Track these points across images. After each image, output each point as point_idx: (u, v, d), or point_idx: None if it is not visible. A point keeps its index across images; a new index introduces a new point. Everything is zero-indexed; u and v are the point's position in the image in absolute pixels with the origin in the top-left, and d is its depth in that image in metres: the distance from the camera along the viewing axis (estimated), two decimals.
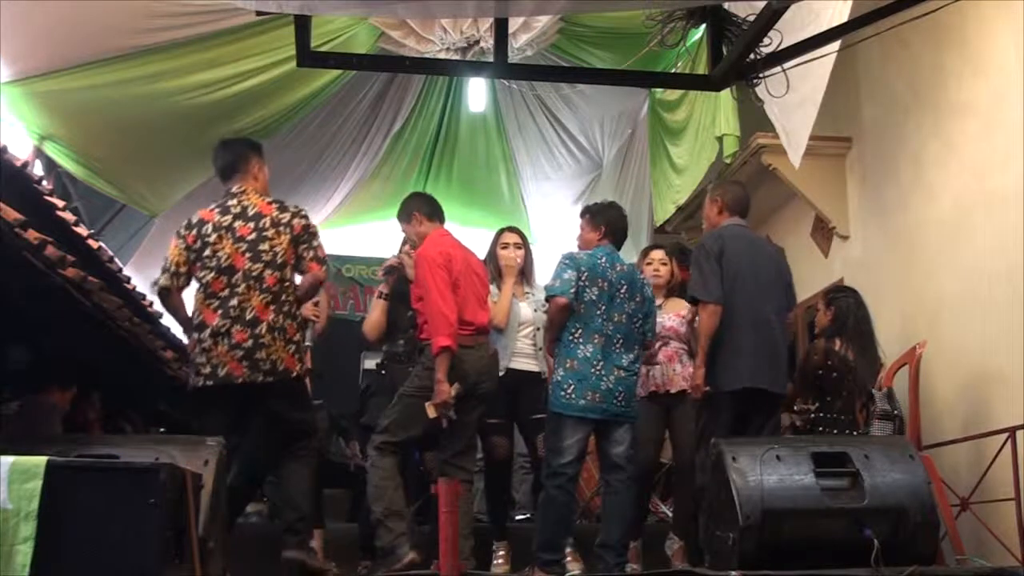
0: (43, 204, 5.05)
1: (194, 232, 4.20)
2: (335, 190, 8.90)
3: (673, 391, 5.09)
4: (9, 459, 2.94)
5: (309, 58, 4.15)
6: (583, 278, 4.58)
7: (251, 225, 4.18)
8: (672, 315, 5.23)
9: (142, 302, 6.16)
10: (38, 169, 6.19)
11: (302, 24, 3.97)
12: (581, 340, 4.55)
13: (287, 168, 8.06)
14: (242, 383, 4.02)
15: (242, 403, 4.14)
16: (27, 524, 2.88)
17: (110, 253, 6.21)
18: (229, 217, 4.20)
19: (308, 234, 4.26)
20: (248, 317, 4.05)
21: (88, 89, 6.11)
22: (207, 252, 4.15)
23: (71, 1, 5.45)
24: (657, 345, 5.10)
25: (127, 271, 6.63)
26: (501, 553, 4.98)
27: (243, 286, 4.09)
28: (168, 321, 6.17)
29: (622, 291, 4.62)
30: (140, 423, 6.64)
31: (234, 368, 4.02)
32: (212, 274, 4.13)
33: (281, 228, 4.18)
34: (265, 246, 4.15)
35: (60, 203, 5.41)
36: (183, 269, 4.18)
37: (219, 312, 4.08)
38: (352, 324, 8.03)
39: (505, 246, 5.33)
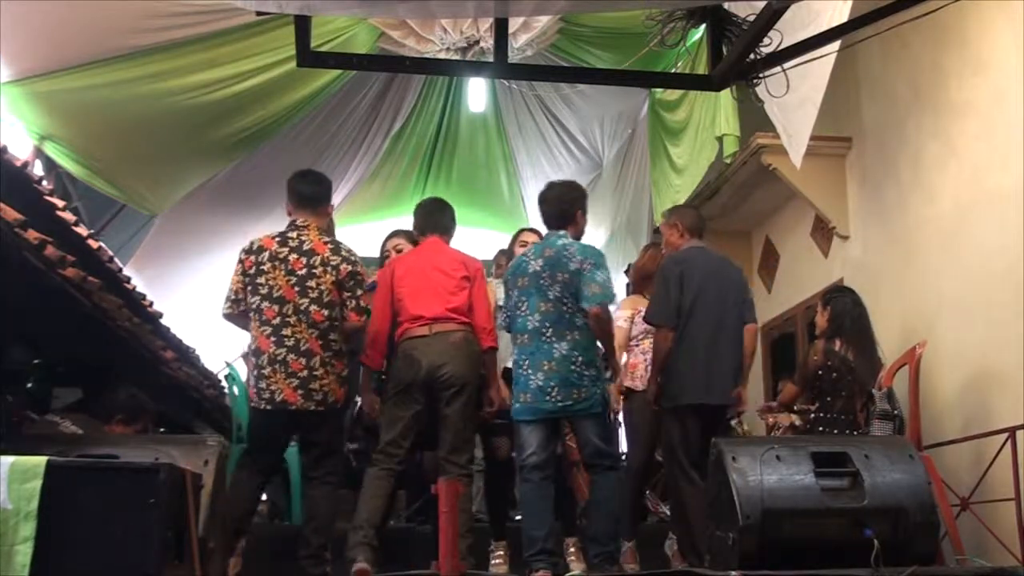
0: (43, 204, 5.05)
1: (252, 258, 4.36)
2: (335, 190, 8.88)
3: None
4: (9, 459, 2.94)
5: (309, 58, 4.15)
6: (508, 285, 4.64)
7: (303, 260, 4.34)
8: None
9: (142, 302, 6.17)
10: (38, 169, 6.20)
11: (302, 24, 3.97)
12: (514, 344, 4.59)
13: (287, 168, 8.01)
14: (295, 410, 4.23)
15: (291, 425, 4.37)
16: (27, 524, 2.88)
17: (110, 253, 6.22)
18: (286, 249, 4.36)
19: (354, 281, 4.42)
20: (303, 348, 4.25)
21: (88, 89, 6.11)
22: (260, 279, 4.31)
23: (71, 1, 5.46)
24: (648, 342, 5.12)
25: (127, 271, 6.65)
26: (499, 553, 4.98)
27: (294, 318, 4.27)
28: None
29: (545, 277, 4.49)
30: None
31: (289, 395, 4.22)
32: (264, 302, 4.29)
33: (328, 268, 4.35)
34: (312, 283, 4.31)
35: (60, 203, 5.42)
36: (242, 296, 4.37)
37: (272, 340, 4.25)
38: None
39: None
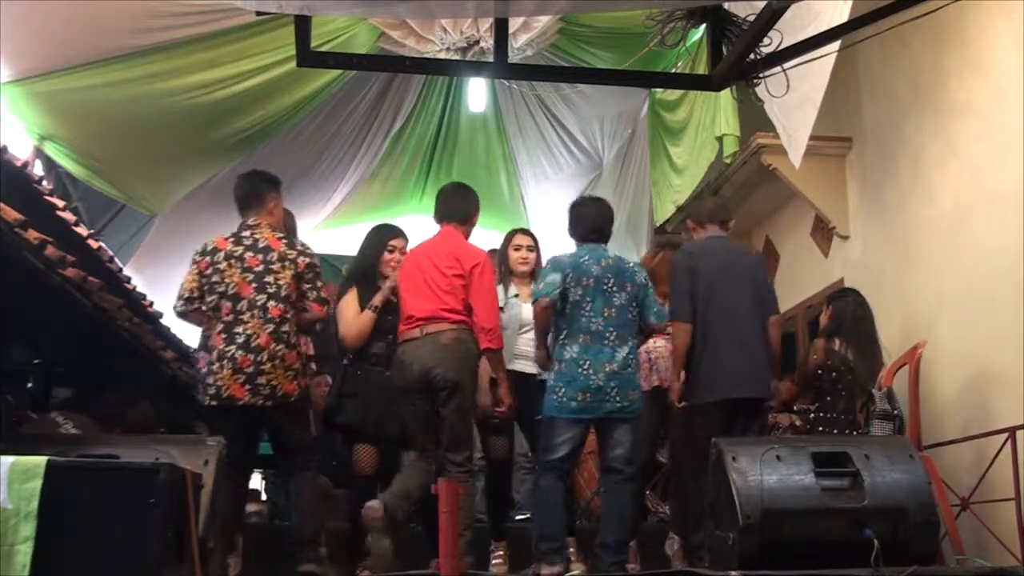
0: (43, 204, 5.05)
1: (207, 259, 4.43)
2: (335, 190, 8.90)
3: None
4: (9, 459, 2.95)
5: (309, 58, 4.15)
6: (568, 279, 4.59)
7: (260, 257, 4.40)
8: None
9: (142, 302, 6.16)
10: (38, 169, 6.20)
11: (302, 24, 3.97)
12: (567, 341, 4.57)
13: (287, 168, 8.04)
14: (243, 405, 4.26)
15: (245, 421, 4.36)
16: (27, 524, 2.89)
17: (110, 253, 6.21)
18: (241, 248, 4.43)
19: (313, 273, 4.49)
20: (253, 344, 4.27)
21: (88, 89, 6.11)
22: (216, 278, 4.38)
23: (71, 1, 5.46)
24: (661, 340, 5.12)
25: (127, 271, 6.64)
26: (499, 553, 4.98)
27: (248, 314, 4.31)
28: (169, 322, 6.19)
29: (609, 283, 4.59)
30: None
31: (236, 391, 4.24)
32: (221, 300, 4.35)
33: (286, 263, 4.41)
34: (270, 279, 4.37)
35: (60, 203, 5.42)
36: (196, 295, 4.42)
37: (223, 336, 4.30)
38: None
39: (518, 248, 5.34)
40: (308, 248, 4.57)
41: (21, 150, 5.94)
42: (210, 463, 3.63)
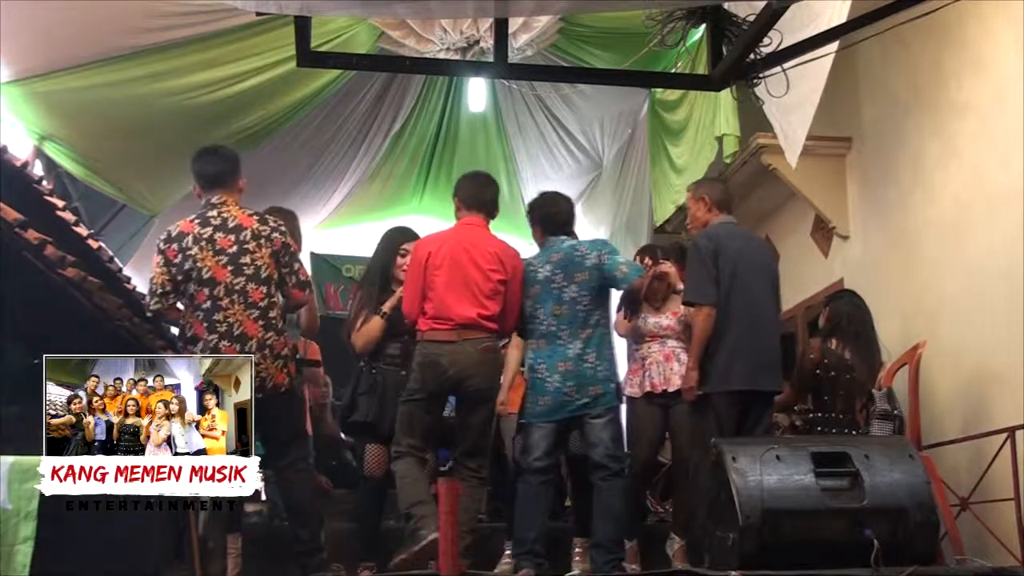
0: (43, 204, 5.05)
1: (175, 246, 4.15)
2: (335, 190, 8.89)
3: (671, 390, 5.06)
4: (9, 459, 2.95)
5: (309, 58, 4.16)
6: (525, 294, 4.57)
7: (231, 237, 4.14)
8: (669, 314, 5.22)
9: (142, 302, 6.16)
10: (38, 169, 6.20)
11: (302, 24, 3.97)
12: (529, 350, 4.62)
13: (287, 168, 8.06)
14: None
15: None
16: (27, 524, 2.89)
17: (110, 253, 6.22)
18: (209, 229, 4.15)
19: (288, 253, 4.25)
20: (236, 333, 4.05)
21: (88, 89, 6.11)
22: (188, 265, 4.11)
23: (71, 1, 5.46)
24: (655, 345, 5.11)
25: (127, 271, 6.64)
26: (509, 552, 4.99)
27: (226, 300, 4.07)
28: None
29: (557, 280, 4.52)
30: None
31: None
32: (195, 286, 4.10)
33: (262, 241, 4.16)
34: (246, 259, 4.12)
35: (60, 203, 5.42)
36: (168, 288, 4.15)
37: (205, 326, 4.06)
38: None
39: None
40: (281, 224, 4.30)
41: (21, 150, 5.94)
42: None
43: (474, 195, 4.65)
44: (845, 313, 5.21)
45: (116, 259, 6.42)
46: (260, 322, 4.09)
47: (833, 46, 4.52)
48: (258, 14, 4.16)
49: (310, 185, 8.55)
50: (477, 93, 8.35)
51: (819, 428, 5.06)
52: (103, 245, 6.07)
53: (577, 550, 4.89)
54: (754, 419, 4.62)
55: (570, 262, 4.54)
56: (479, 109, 8.54)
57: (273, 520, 6.36)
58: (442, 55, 6.95)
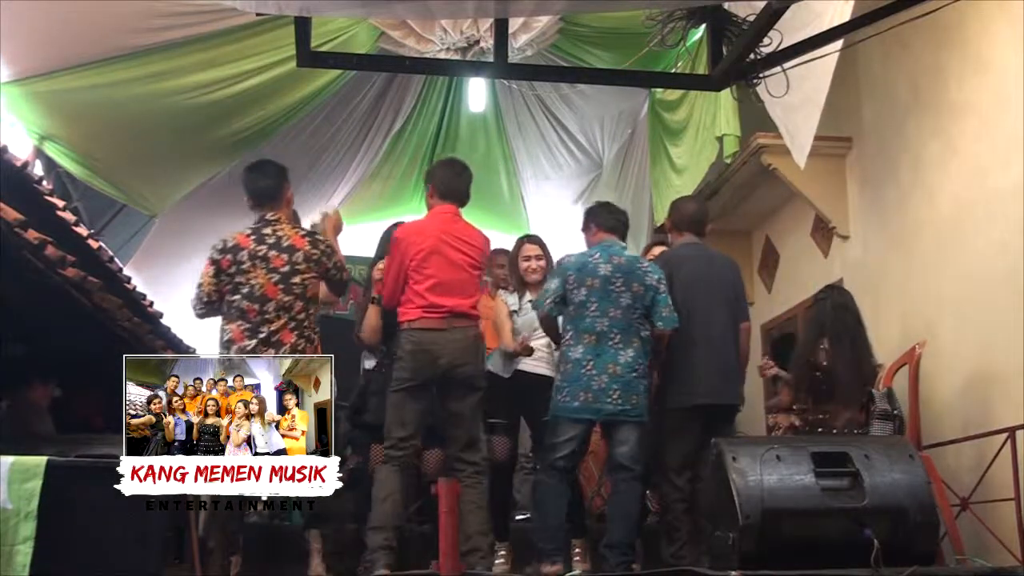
0: (43, 204, 5.05)
1: (229, 257, 4.29)
2: (335, 190, 8.89)
3: None
4: (9, 459, 2.95)
5: (309, 58, 4.16)
6: (570, 281, 4.62)
7: (285, 257, 4.29)
8: None
9: (142, 302, 6.17)
10: (38, 169, 6.20)
11: (302, 25, 3.98)
12: (572, 342, 4.59)
13: (287, 168, 8.05)
14: None
15: None
16: (27, 524, 2.89)
17: (110, 253, 6.22)
18: (264, 247, 4.30)
19: (336, 269, 4.48)
20: (274, 340, 4.21)
21: (88, 89, 6.11)
22: (240, 279, 4.26)
23: (71, 1, 5.46)
24: None
25: (127, 271, 6.65)
26: (502, 553, 4.98)
27: (274, 314, 4.24)
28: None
29: (616, 284, 4.60)
30: None
31: None
32: (245, 301, 4.24)
33: (312, 264, 4.35)
34: (297, 279, 4.29)
35: (60, 203, 5.42)
36: (215, 298, 4.31)
37: (247, 333, 4.21)
38: (353, 324, 8.01)
39: (527, 258, 5.32)
40: (329, 245, 4.49)
41: (21, 150, 5.95)
42: None
43: (448, 184, 4.72)
44: (826, 313, 5.22)
45: (116, 259, 6.42)
46: (295, 332, 4.25)
47: (837, 45, 4.52)
48: (258, 14, 4.16)
49: (310, 185, 8.54)
50: (477, 93, 8.36)
51: (819, 429, 5.06)
52: (103, 245, 6.07)
53: (576, 550, 4.89)
54: (715, 435, 4.65)
55: (631, 272, 4.65)
56: (479, 109, 8.55)
57: (273, 520, 6.37)
58: (442, 55, 6.95)
